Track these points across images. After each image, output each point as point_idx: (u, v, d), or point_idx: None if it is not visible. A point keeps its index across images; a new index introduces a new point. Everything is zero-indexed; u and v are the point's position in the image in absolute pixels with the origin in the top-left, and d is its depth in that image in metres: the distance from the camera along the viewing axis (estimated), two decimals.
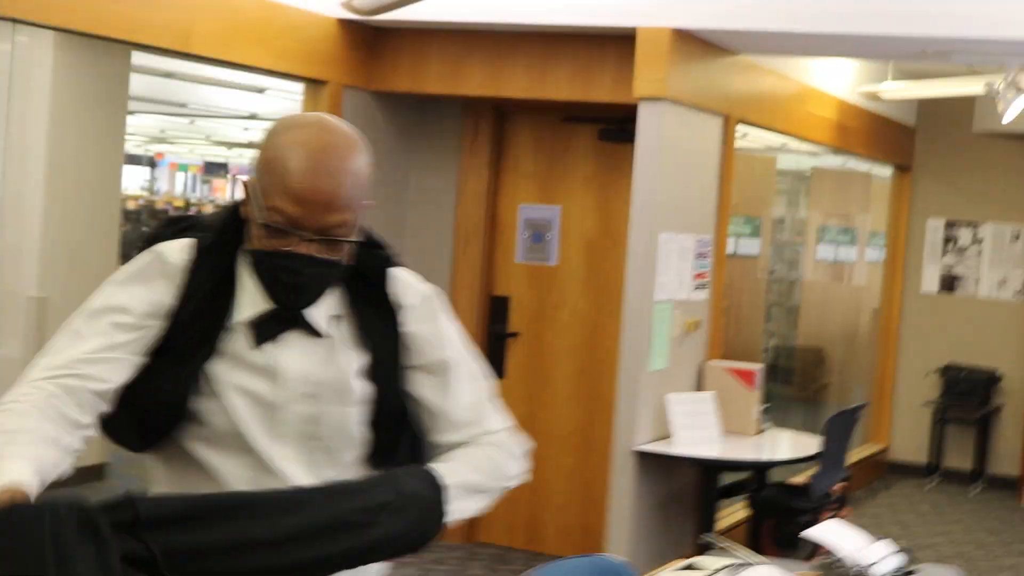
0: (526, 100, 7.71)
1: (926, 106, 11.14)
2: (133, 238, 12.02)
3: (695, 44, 7.01)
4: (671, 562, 4.55)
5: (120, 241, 8.90)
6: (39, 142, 7.83)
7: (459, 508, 2.46)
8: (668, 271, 7.09)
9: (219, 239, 2.45)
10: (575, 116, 7.98)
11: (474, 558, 7.97)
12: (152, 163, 29.64)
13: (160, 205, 27.83)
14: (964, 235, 11.63)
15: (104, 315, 2.33)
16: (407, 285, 2.59)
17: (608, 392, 7.43)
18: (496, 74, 7.51)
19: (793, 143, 9.56)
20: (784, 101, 8.39)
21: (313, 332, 2.45)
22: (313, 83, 7.41)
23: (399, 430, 2.59)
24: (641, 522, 7.09)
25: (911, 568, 3.84)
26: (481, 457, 2.62)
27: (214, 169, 32.14)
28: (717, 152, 7.54)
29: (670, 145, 6.97)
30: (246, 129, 19.47)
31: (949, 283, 11.71)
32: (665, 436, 7.15)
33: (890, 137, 10.79)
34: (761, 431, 7.67)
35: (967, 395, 11.37)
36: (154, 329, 2.36)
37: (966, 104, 10.91)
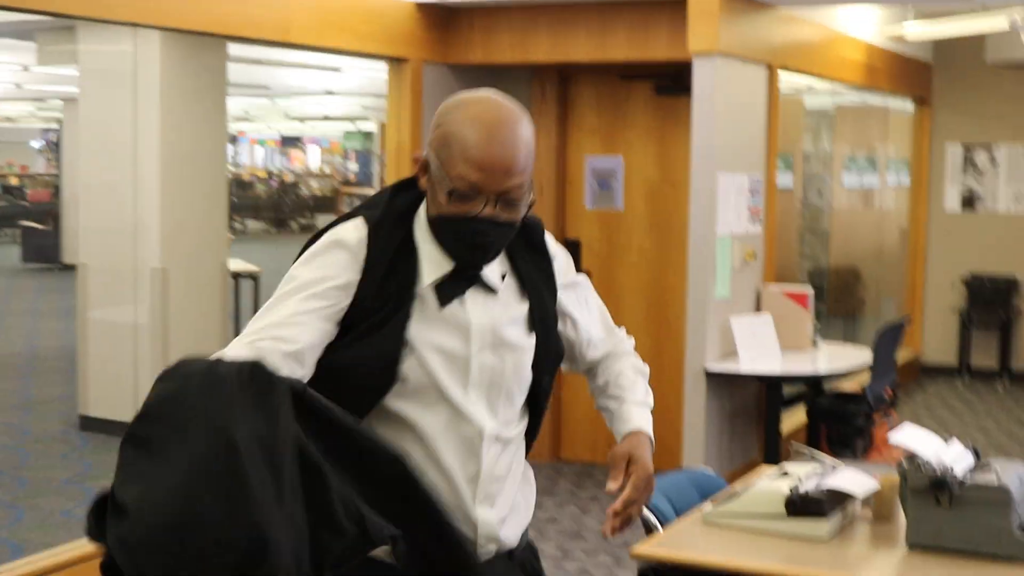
0: (587, 63, 7.76)
1: (942, 44, 11.06)
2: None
3: (740, 1, 7.05)
4: (758, 468, 4.65)
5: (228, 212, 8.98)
6: (154, 130, 7.92)
7: (648, 425, 2.75)
8: (727, 208, 7.16)
9: (387, 213, 2.46)
10: (632, 74, 8.01)
11: (560, 474, 8.02)
12: (233, 140, 29.36)
13: (246, 177, 27.95)
14: (981, 157, 11.58)
15: (295, 292, 2.36)
16: (550, 236, 2.67)
17: (675, 321, 7.53)
18: (560, 42, 7.56)
19: (817, 84, 9.56)
20: (818, 47, 8.40)
21: (488, 288, 2.48)
22: (396, 61, 7.45)
23: (555, 373, 2.69)
24: (712, 434, 7.17)
25: (985, 462, 3.88)
26: (633, 373, 2.83)
27: (290, 142, 32.08)
28: (763, 98, 7.57)
29: (722, 94, 7.01)
30: (321, 104, 19.49)
31: (969, 201, 11.67)
32: (730, 355, 7.25)
33: (911, 73, 10.76)
34: (814, 346, 7.75)
35: (990, 301, 11.38)
36: (344, 300, 2.37)
37: (977, 40, 10.90)
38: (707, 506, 4.01)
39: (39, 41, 9.39)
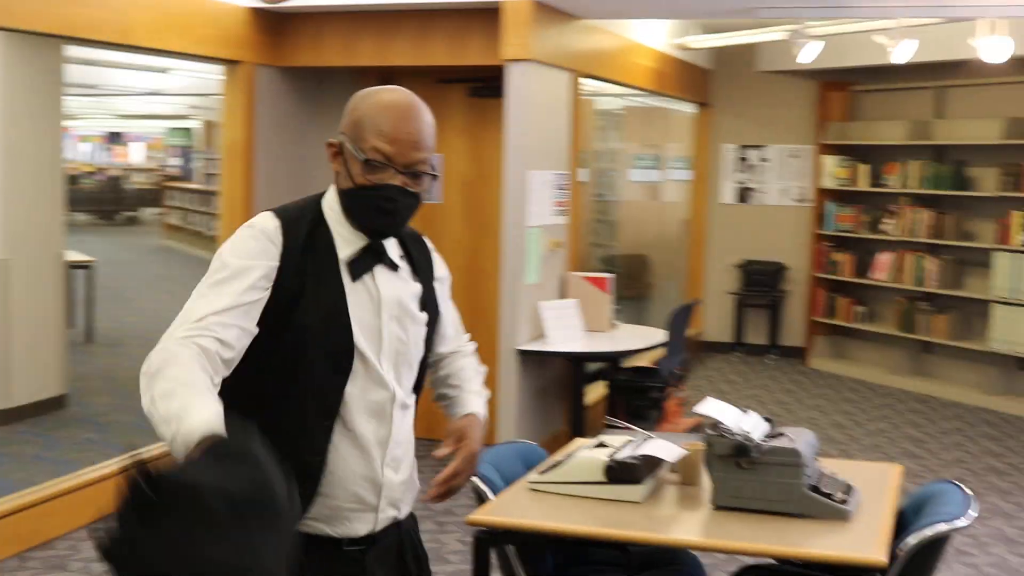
0: (408, 67, 7.70)
1: (719, 53, 11.31)
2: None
3: (549, 12, 7.08)
4: (567, 438, 4.70)
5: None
6: None
7: (483, 411, 2.85)
8: (536, 202, 7.20)
9: (294, 206, 2.57)
10: (448, 78, 7.98)
11: None
12: None
13: (72, 171, 27.18)
14: (753, 155, 11.86)
15: (230, 280, 2.38)
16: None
17: (487, 305, 7.51)
18: (382, 47, 7.51)
19: (608, 87, 9.67)
20: (615, 55, 8.50)
21: (392, 266, 2.57)
22: (231, 63, 7.33)
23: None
24: (523, 408, 7.21)
25: (778, 431, 3.98)
26: (473, 370, 2.96)
27: (114, 138, 31.51)
28: (567, 101, 7.63)
29: (532, 98, 7.04)
30: (148, 103, 19.10)
31: (743, 195, 11.94)
32: (539, 336, 7.29)
33: (693, 79, 10.95)
34: (613, 326, 7.85)
35: (760, 284, 11.66)
36: (267, 290, 2.41)
37: (751, 49, 11.18)
38: (532, 475, 4.04)
39: None
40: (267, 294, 2.41)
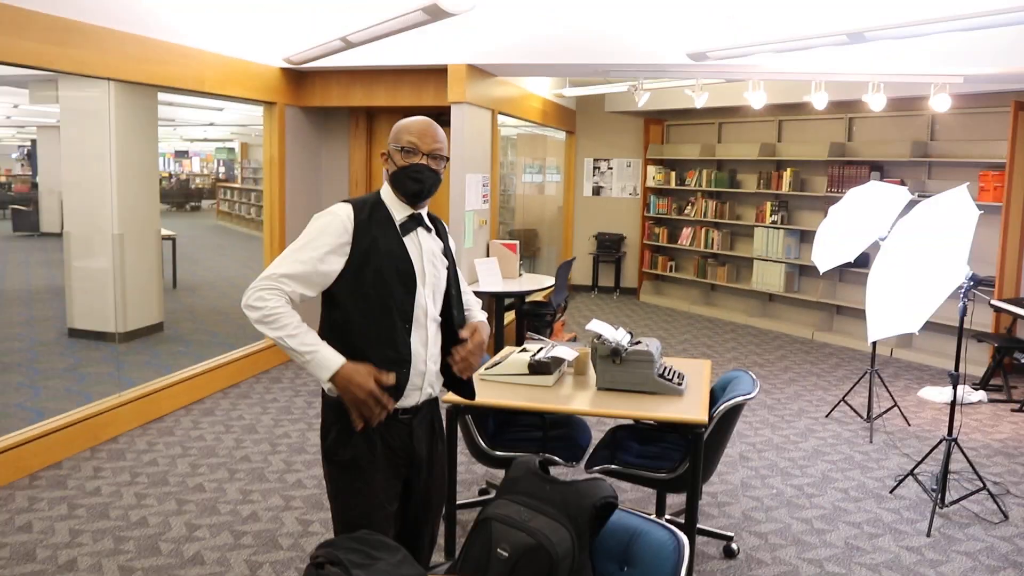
0: (385, 107, 7.58)
1: (581, 99, 11.27)
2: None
3: (477, 72, 7.00)
4: (504, 349, 4.70)
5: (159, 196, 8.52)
6: (112, 146, 7.41)
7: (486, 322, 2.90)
8: (470, 194, 7.15)
9: (361, 198, 2.61)
10: (412, 114, 7.86)
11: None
12: None
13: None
14: (603, 165, 11.87)
15: (308, 246, 2.50)
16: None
17: None
18: (368, 93, 7.37)
19: (510, 121, 9.59)
20: (517, 99, 8.43)
21: (426, 229, 2.64)
22: (270, 104, 7.15)
23: (459, 290, 2.80)
24: None
25: (637, 340, 4.04)
26: (477, 309, 2.93)
27: (181, 154, 30.76)
28: (489, 129, 7.57)
29: (467, 126, 6.95)
30: (205, 130, 18.64)
31: (597, 190, 11.94)
32: (474, 281, 7.27)
33: (565, 115, 10.92)
34: (521, 275, 7.85)
35: (608, 248, 11.71)
36: (339, 248, 2.49)
37: (601, 98, 11.20)
38: (480, 370, 4.05)
39: (31, 88, 8.61)
40: (335, 262, 2.49)
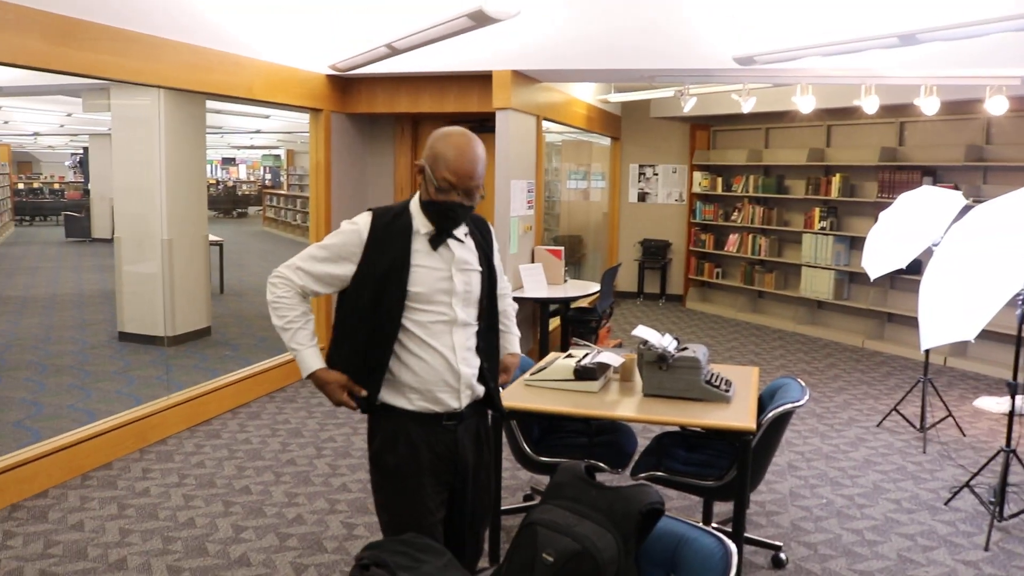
0: (429, 113, 7.60)
1: (626, 105, 11.24)
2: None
3: (521, 78, 7.01)
4: (549, 355, 4.69)
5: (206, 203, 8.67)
6: (162, 153, 7.54)
7: (519, 348, 3.03)
8: (515, 200, 7.16)
9: (388, 207, 2.63)
10: (457, 120, 7.86)
11: None
12: None
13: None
14: (648, 171, 11.84)
15: (323, 251, 2.60)
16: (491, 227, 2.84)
17: None
18: (413, 99, 7.41)
19: (553, 127, 9.58)
20: (563, 105, 8.43)
21: (458, 240, 2.62)
22: (316, 111, 7.23)
23: (493, 297, 2.76)
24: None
25: (684, 346, 4.00)
26: (511, 309, 3.01)
27: (228, 161, 31.25)
28: (534, 135, 7.57)
29: (511, 133, 6.97)
30: (251, 137, 18.89)
31: (643, 197, 11.90)
32: (519, 287, 7.28)
33: (610, 121, 10.90)
34: (566, 281, 7.84)
35: (654, 254, 11.66)
36: (350, 257, 2.56)
37: (646, 104, 11.15)
38: (526, 376, 4.05)
39: (84, 96, 8.78)
40: (345, 267, 2.58)
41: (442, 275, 2.57)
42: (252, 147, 25.56)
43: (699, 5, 6.16)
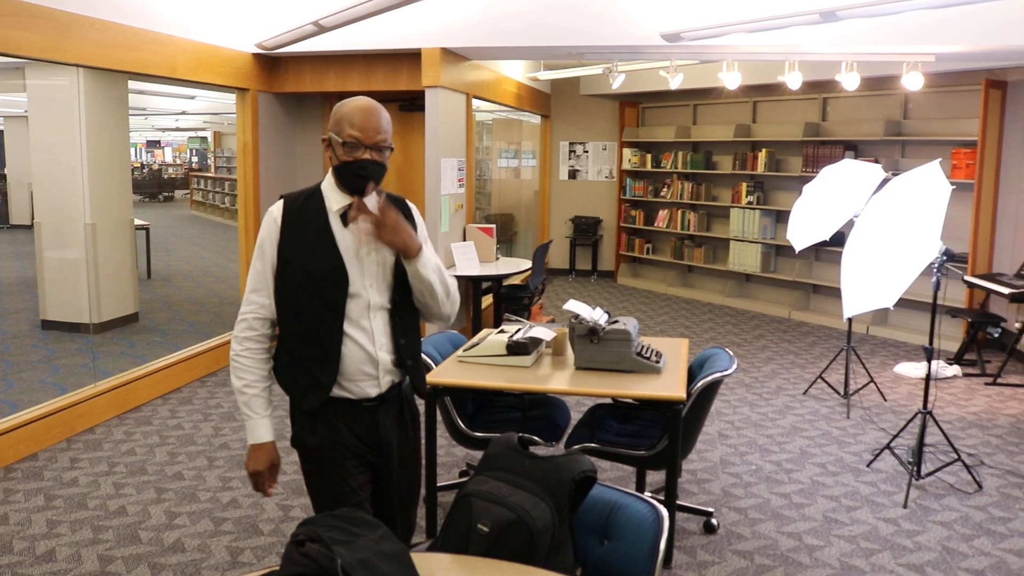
0: (358, 91, 7.46)
1: (556, 83, 11.26)
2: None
3: (451, 55, 6.98)
4: (482, 331, 4.70)
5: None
6: (82, 135, 7.32)
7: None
8: (446, 178, 7.14)
9: (299, 192, 2.56)
10: (386, 99, 7.80)
11: None
12: None
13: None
14: (578, 149, 11.88)
15: (257, 255, 2.55)
16: (414, 206, 2.72)
17: None
18: (341, 78, 7.33)
19: (484, 105, 9.56)
20: (489, 83, 8.40)
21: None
22: (243, 90, 7.09)
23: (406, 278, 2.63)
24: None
25: (615, 319, 4.05)
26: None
27: (153, 144, 30.56)
28: (463, 113, 7.56)
29: (441, 111, 6.94)
30: (177, 119, 18.46)
31: (572, 174, 11.95)
32: (451, 266, 7.27)
33: (540, 99, 10.91)
34: (498, 259, 7.86)
35: (585, 231, 11.73)
36: (275, 248, 2.50)
37: (575, 81, 11.19)
38: (459, 352, 4.06)
39: None
40: (276, 259, 2.51)
41: (354, 254, 2.48)
42: (178, 129, 24.91)
43: None
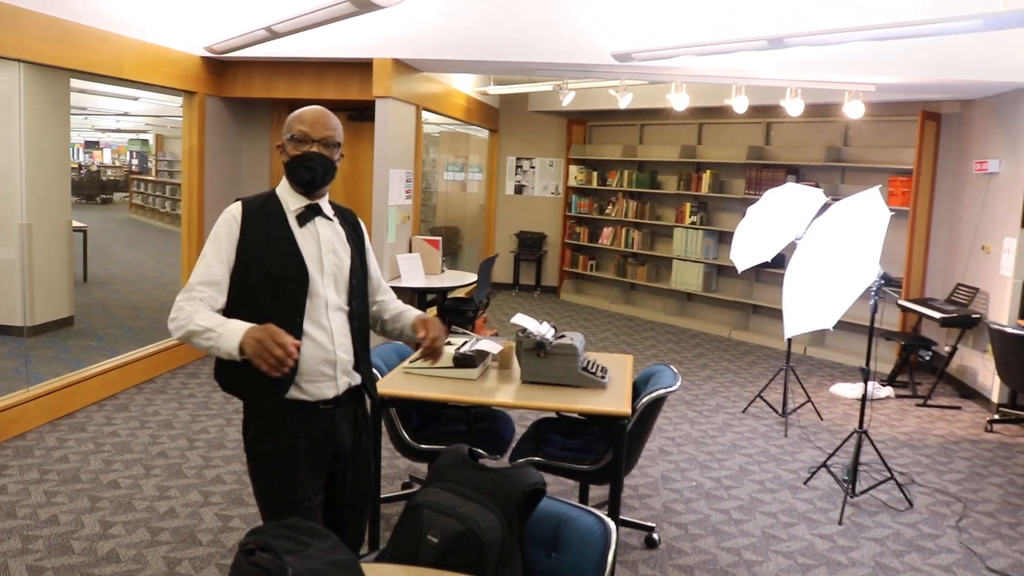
0: (308, 99, 7.46)
1: (505, 98, 11.31)
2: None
3: (402, 66, 6.98)
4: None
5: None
6: (21, 134, 7.14)
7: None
8: (393, 189, 7.12)
9: (255, 196, 2.59)
10: (336, 108, 7.74)
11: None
12: None
13: None
14: (525, 164, 11.94)
15: (210, 249, 2.51)
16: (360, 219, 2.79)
17: None
18: (292, 85, 7.29)
19: (431, 117, 9.57)
20: (442, 96, 8.43)
21: (327, 218, 2.60)
22: (190, 93, 6.99)
23: (364, 279, 2.70)
24: None
25: (561, 333, 4.08)
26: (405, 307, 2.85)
27: (91, 145, 29.92)
28: (413, 125, 7.55)
29: (391, 121, 6.94)
30: (118, 120, 18.08)
31: (520, 189, 12.01)
32: (396, 276, 7.25)
33: (488, 114, 10.96)
34: (443, 271, 7.86)
35: (530, 246, 11.78)
36: (233, 246, 2.49)
37: (524, 97, 11.26)
38: (405, 363, 4.04)
39: None
40: (234, 247, 2.49)
41: (313, 254, 2.53)
42: (119, 131, 24.40)
43: (579, 2, 6.28)
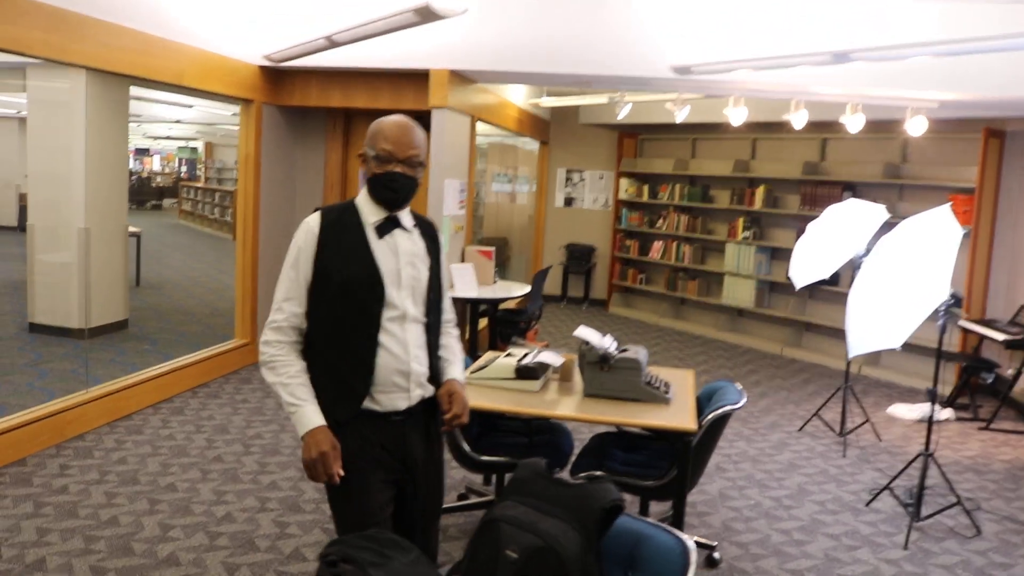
0: (363, 109, 7.51)
1: (556, 110, 11.29)
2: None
3: (458, 78, 6.98)
4: (488, 353, 4.68)
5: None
6: (81, 139, 7.29)
7: (462, 377, 2.74)
8: (448, 199, 7.13)
9: (334, 205, 2.61)
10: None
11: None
12: None
13: None
14: (575, 176, 11.92)
15: (290, 264, 2.55)
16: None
17: None
18: (347, 94, 7.32)
19: (481, 127, 9.56)
20: (497, 107, 8.44)
21: (405, 230, 2.60)
22: (247, 101, 7.07)
23: (440, 290, 2.70)
24: None
25: (624, 347, 4.04)
26: (457, 346, 2.80)
27: (142, 152, 30.52)
28: (467, 135, 7.55)
29: (446, 132, 6.92)
30: (170, 128, 18.39)
31: (568, 201, 11.99)
32: (450, 288, 7.23)
33: (539, 126, 10.93)
34: (495, 282, 7.84)
35: (579, 259, 11.74)
36: (311, 259, 2.51)
37: (575, 110, 11.25)
38: (467, 373, 4.02)
39: None
40: (312, 259, 2.52)
41: (391, 267, 2.53)
42: (169, 138, 24.83)
43: (639, 14, 6.25)
